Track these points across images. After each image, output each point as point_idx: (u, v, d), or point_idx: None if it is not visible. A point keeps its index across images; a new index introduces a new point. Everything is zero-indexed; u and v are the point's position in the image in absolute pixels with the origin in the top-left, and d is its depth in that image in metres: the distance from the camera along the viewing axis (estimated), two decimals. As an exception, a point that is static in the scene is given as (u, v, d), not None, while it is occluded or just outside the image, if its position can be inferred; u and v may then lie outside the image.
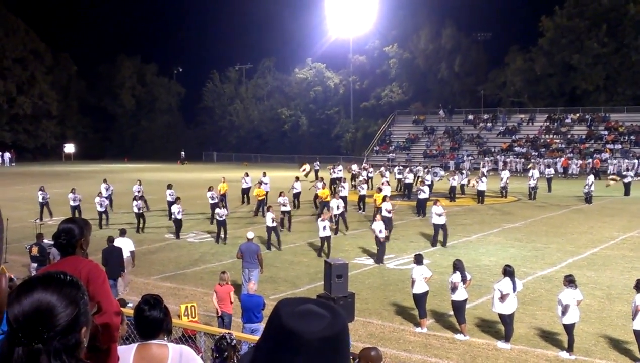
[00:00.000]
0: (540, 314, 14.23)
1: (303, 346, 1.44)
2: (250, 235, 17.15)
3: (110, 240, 16.36)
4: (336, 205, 24.76)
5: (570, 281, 12.20)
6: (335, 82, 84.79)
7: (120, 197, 31.63)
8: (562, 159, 53.44)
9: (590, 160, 52.76)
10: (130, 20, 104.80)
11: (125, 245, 17.08)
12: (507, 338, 12.44)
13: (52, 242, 14.69)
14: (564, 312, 11.90)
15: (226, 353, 5.91)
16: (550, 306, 14.78)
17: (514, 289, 12.57)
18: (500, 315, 12.63)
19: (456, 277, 13.15)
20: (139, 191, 29.03)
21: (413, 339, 12.91)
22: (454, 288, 13.09)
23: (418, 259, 14.16)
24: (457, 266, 13.39)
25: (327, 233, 20.71)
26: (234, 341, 6.18)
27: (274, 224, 21.83)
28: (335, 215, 24.53)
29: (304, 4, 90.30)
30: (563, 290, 12.21)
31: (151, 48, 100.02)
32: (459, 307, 13.14)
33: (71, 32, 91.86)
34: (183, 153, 79.16)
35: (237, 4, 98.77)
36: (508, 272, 12.79)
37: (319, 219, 21.33)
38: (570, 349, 11.93)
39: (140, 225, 25.55)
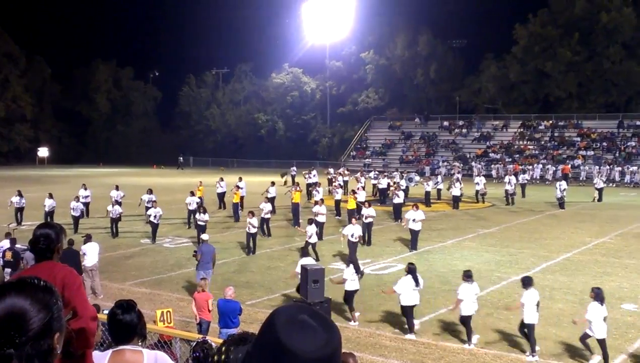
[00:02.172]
0: (514, 319, 14.33)
1: None
2: (205, 236, 17.69)
3: (70, 243, 16.07)
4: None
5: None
6: (312, 87, 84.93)
7: (96, 202, 31.28)
8: (563, 166, 53.44)
9: (559, 166, 53.56)
10: (105, 24, 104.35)
11: (93, 250, 16.87)
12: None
13: (26, 247, 14.33)
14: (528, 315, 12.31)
15: (211, 359, 5.88)
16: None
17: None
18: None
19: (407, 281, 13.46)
20: (122, 197, 29.15)
21: (389, 344, 12.96)
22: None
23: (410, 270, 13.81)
24: (411, 270, 13.65)
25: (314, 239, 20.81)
26: (214, 345, 6.17)
27: (255, 231, 21.79)
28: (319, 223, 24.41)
29: (281, 9, 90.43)
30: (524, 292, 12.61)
31: (127, 52, 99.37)
32: (408, 312, 13.45)
33: (46, 35, 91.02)
34: (181, 158, 78.43)
35: (213, 9, 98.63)
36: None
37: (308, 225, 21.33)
38: (532, 351, 12.11)
39: (114, 230, 25.33)
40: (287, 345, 1.43)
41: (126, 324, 3.97)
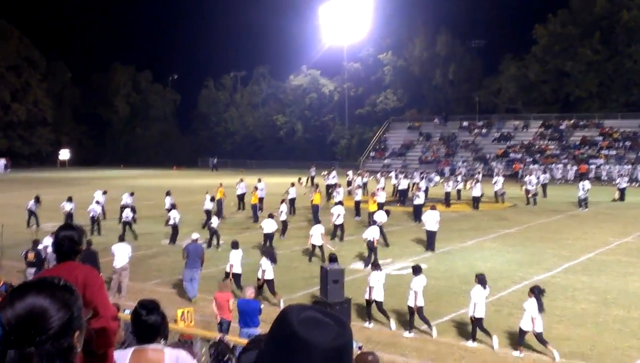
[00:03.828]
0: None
1: (317, 356, 1.47)
2: (195, 235, 17.54)
3: (89, 243, 16.21)
4: (337, 213, 24.70)
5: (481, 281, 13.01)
6: (330, 89, 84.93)
7: (115, 203, 31.46)
8: (580, 165, 53.49)
9: (575, 166, 53.25)
10: (124, 28, 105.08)
11: (122, 251, 17.02)
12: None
13: (49, 248, 14.47)
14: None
15: (227, 356, 5.88)
16: (547, 311, 14.73)
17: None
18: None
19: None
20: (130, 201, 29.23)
21: (409, 344, 12.89)
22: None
23: (416, 270, 14.00)
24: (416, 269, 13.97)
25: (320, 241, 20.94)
26: (232, 344, 6.17)
27: (272, 232, 21.89)
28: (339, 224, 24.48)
29: (298, 11, 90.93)
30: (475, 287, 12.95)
31: (146, 56, 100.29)
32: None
33: (65, 40, 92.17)
34: (215, 159, 78.25)
35: (232, 12, 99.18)
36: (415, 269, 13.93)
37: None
38: (473, 338, 12.75)
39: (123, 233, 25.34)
40: (304, 338, 1.47)
41: (151, 325, 3.98)
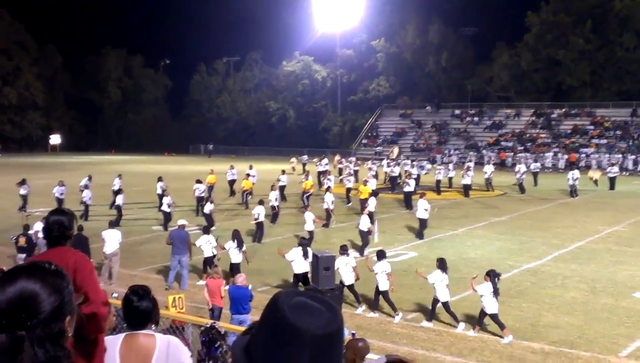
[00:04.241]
0: (525, 307, 14.33)
1: (308, 342, 1.47)
2: (182, 221, 17.56)
3: (79, 228, 16.15)
4: (330, 199, 24.86)
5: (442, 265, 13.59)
6: (322, 75, 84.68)
7: (106, 190, 31.37)
8: (570, 154, 53.97)
9: (565, 156, 53.52)
10: (116, 12, 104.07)
11: (112, 237, 16.98)
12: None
13: (40, 233, 14.44)
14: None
15: (218, 343, 5.88)
16: (536, 299, 14.92)
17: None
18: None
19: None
20: (119, 185, 29.07)
21: (400, 331, 12.96)
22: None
23: (380, 255, 14.53)
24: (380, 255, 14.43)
25: (311, 227, 21.05)
26: (223, 330, 6.17)
27: (263, 219, 21.97)
28: (329, 209, 24.62)
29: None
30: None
31: (137, 40, 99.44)
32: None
33: (56, 24, 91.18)
34: (210, 146, 77.95)
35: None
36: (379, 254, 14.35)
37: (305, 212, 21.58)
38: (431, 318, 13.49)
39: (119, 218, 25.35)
40: (295, 324, 1.47)
41: (142, 311, 3.98)
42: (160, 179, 29.20)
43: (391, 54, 78.53)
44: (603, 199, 32.93)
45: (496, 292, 12.53)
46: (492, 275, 12.67)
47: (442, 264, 13.53)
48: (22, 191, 28.30)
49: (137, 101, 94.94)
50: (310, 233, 21.03)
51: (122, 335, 3.92)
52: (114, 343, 3.84)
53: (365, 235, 20.26)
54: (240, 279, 12.54)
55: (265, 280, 16.77)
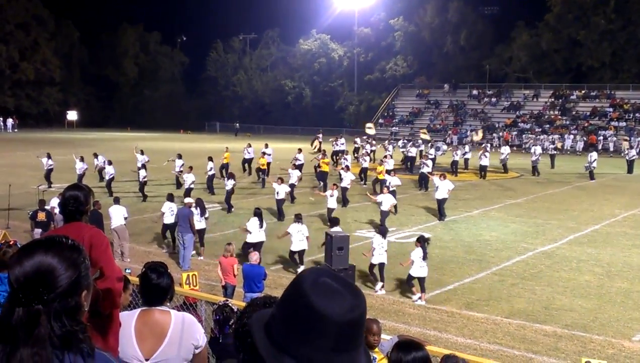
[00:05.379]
0: (539, 289, 14.29)
1: (334, 328, 1.47)
2: (188, 200, 17.77)
3: (96, 204, 16.20)
4: (349, 179, 24.89)
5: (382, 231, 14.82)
6: (339, 54, 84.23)
7: (124, 166, 31.56)
8: (590, 136, 53.54)
9: (584, 138, 53.02)
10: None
11: (117, 212, 17.03)
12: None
13: (54, 207, 14.54)
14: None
15: (232, 320, 5.91)
16: (550, 281, 14.87)
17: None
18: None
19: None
20: (146, 161, 29.22)
21: (412, 312, 12.99)
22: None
23: (382, 231, 14.98)
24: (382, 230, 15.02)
25: (334, 204, 21.04)
26: (236, 308, 6.21)
27: (283, 197, 21.97)
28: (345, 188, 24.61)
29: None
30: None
31: (154, 16, 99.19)
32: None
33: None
34: (237, 124, 77.44)
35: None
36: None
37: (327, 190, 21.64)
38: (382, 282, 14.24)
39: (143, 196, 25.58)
40: (321, 310, 1.46)
41: (162, 288, 3.99)
42: (179, 156, 29.29)
43: (409, 32, 77.85)
44: (620, 182, 32.63)
45: (425, 257, 13.48)
46: (422, 241, 13.67)
47: (382, 231, 14.76)
48: (46, 166, 28.48)
49: (154, 78, 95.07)
50: (330, 211, 20.90)
51: (137, 311, 3.97)
52: (129, 318, 3.88)
53: (386, 216, 19.98)
54: (255, 257, 12.60)
55: (279, 259, 16.83)
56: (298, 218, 15.97)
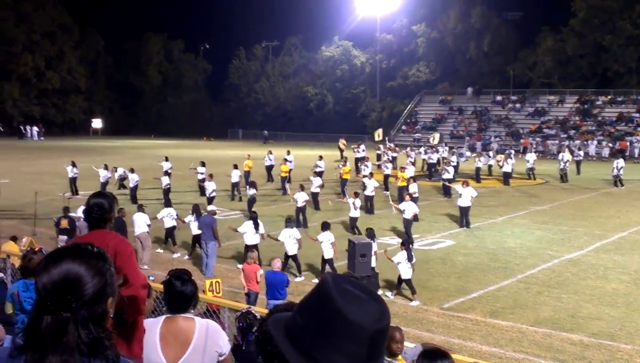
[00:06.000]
0: (565, 297, 14.10)
1: (365, 335, 1.46)
2: (211, 207, 18.37)
3: (119, 212, 16.33)
4: (372, 186, 24.77)
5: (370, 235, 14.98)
6: (361, 60, 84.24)
7: (148, 173, 31.82)
8: (620, 142, 52.57)
9: (617, 143, 52.15)
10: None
11: (140, 219, 17.16)
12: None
13: (80, 216, 14.63)
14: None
15: (255, 328, 5.91)
16: (577, 289, 14.67)
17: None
18: None
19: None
20: (170, 168, 29.55)
21: (436, 320, 12.88)
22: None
23: (370, 234, 15.10)
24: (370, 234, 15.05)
25: (357, 213, 20.80)
26: (259, 315, 6.20)
27: (304, 204, 21.93)
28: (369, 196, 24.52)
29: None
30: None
31: (178, 25, 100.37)
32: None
33: (98, 8, 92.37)
34: (266, 132, 76.94)
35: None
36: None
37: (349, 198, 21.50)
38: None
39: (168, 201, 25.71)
40: (352, 317, 1.45)
41: (187, 295, 4.01)
42: (203, 164, 29.50)
43: (432, 39, 77.61)
44: (648, 189, 32.14)
45: (410, 258, 13.70)
46: (406, 244, 14.16)
47: (370, 234, 14.79)
48: (71, 174, 28.79)
49: (177, 85, 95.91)
50: (353, 219, 20.79)
51: (162, 318, 3.98)
52: (154, 325, 3.89)
53: (410, 224, 19.71)
54: (277, 264, 12.61)
55: (302, 266, 16.79)
56: (289, 222, 16.12)
